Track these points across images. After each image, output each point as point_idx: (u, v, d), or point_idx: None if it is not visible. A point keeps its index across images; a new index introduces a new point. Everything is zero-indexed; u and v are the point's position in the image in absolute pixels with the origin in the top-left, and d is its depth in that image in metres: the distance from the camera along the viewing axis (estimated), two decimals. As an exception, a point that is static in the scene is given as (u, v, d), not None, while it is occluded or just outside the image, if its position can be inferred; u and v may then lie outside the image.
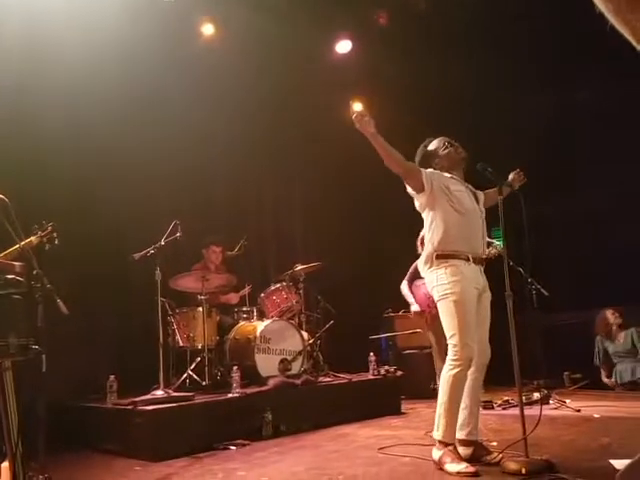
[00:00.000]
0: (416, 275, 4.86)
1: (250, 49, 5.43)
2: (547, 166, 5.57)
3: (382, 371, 4.39)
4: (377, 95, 5.88)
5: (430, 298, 4.69)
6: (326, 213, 6.33)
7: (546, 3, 5.28)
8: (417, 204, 2.82)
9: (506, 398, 4.35)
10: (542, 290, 3.96)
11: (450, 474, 2.46)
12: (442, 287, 2.63)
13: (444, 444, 2.54)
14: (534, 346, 4.05)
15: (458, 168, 2.83)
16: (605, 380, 5.30)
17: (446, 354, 4.78)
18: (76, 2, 4.26)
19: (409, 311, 4.88)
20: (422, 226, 4.88)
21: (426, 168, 2.79)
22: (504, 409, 4.14)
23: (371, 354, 4.58)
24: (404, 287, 4.87)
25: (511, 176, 2.86)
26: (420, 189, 2.69)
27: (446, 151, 2.81)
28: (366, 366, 4.65)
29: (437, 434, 2.55)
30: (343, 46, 6.10)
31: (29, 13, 4.14)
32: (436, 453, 2.57)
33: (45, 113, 4.23)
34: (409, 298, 4.82)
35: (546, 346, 4.33)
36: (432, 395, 4.80)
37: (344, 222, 6.43)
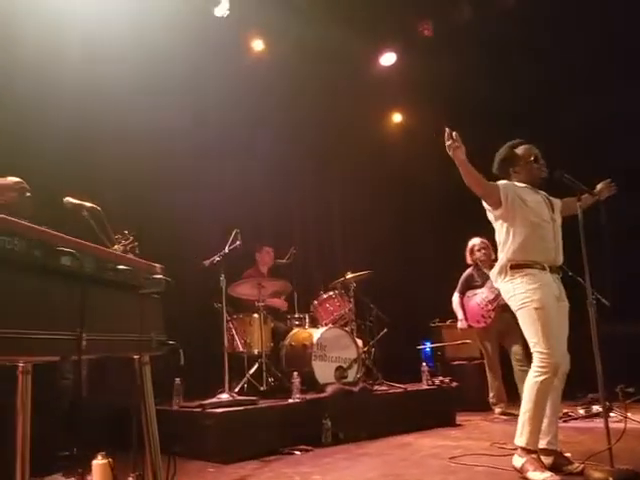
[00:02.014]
0: (467, 286, 4.86)
1: (296, 63, 5.58)
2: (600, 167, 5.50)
3: (436, 381, 4.36)
4: (421, 106, 5.95)
5: (483, 309, 4.71)
6: (370, 222, 6.39)
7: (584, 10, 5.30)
8: (490, 215, 2.83)
9: (565, 411, 4.27)
10: (603, 300, 3.90)
11: (533, 482, 2.44)
12: (521, 296, 2.62)
13: (527, 451, 2.52)
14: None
15: (534, 185, 2.81)
16: None
17: (500, 366, 4.71)
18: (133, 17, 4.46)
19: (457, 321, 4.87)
20: (470, 237, 4.92)
21: (505, 169, 2.82)
22: (565, 422, 4.08)
23: (423, 364, 4.56)
24: (455, 300, 4.85)
25: (600, 186, 2.82)
26: (497, 205, 2.72)
27: (529, 166, 2.79)
28: (413, 375, 4.63)
29: (520, 440, 2.54)
30: (387, 58, 6.21)
31: (88, 23, 4.35)
32: (518, 460, 2.55)
33: (101, 125, 4.39)
34: (459, 313, 4.81)
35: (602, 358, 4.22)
36: (484, 407, 4.78)
37: (389, 231, 6.48)
